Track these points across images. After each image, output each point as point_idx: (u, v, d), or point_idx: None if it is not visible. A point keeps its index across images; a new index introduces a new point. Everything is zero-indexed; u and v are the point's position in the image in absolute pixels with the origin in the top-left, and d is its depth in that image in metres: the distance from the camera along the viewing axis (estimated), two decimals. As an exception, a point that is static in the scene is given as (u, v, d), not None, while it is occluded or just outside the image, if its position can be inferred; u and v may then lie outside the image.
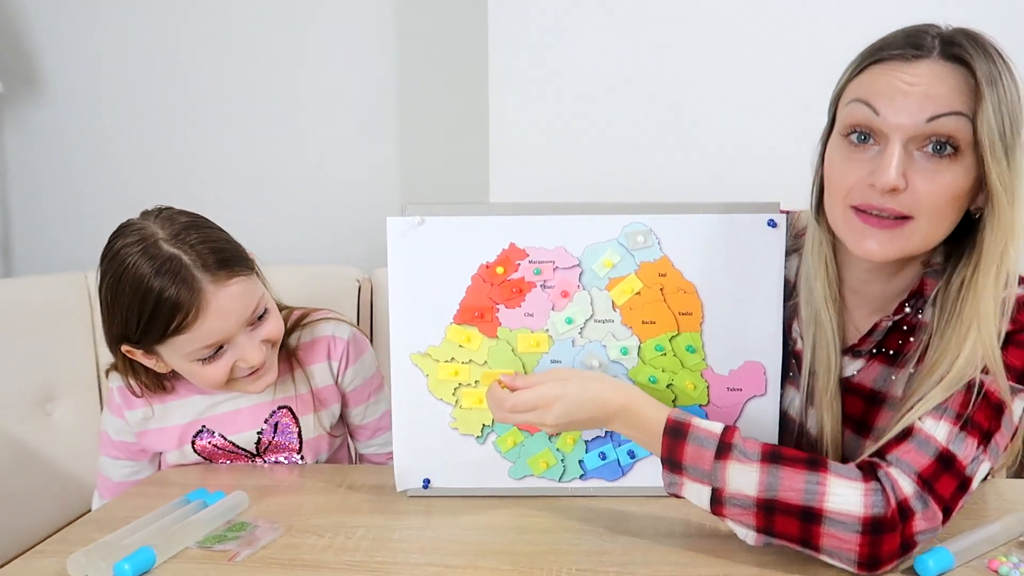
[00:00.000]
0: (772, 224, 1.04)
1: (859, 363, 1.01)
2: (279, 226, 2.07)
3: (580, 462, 1.08)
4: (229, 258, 1.08)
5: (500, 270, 1.05)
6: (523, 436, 1.08)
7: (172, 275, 1.03)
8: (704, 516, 0.94)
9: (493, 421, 1.08)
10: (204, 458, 1.24)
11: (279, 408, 1.25)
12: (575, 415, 0.94)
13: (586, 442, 1.08)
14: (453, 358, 1.07)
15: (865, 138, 0.87)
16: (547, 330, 1.06)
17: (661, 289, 1.05)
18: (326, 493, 1.11)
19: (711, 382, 1.07)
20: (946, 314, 0.88)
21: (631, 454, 1.08)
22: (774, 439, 1.07)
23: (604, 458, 1.08)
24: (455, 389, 1.08)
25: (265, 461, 1.27)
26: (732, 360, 1.07)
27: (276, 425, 1.25)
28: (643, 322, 1.06)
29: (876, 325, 0.98)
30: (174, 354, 1.10)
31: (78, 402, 1.66)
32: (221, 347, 1.09)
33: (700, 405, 1.07)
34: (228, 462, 1.25)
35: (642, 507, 1.05)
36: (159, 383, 1.18)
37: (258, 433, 1.25)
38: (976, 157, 0.82)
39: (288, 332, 1.21)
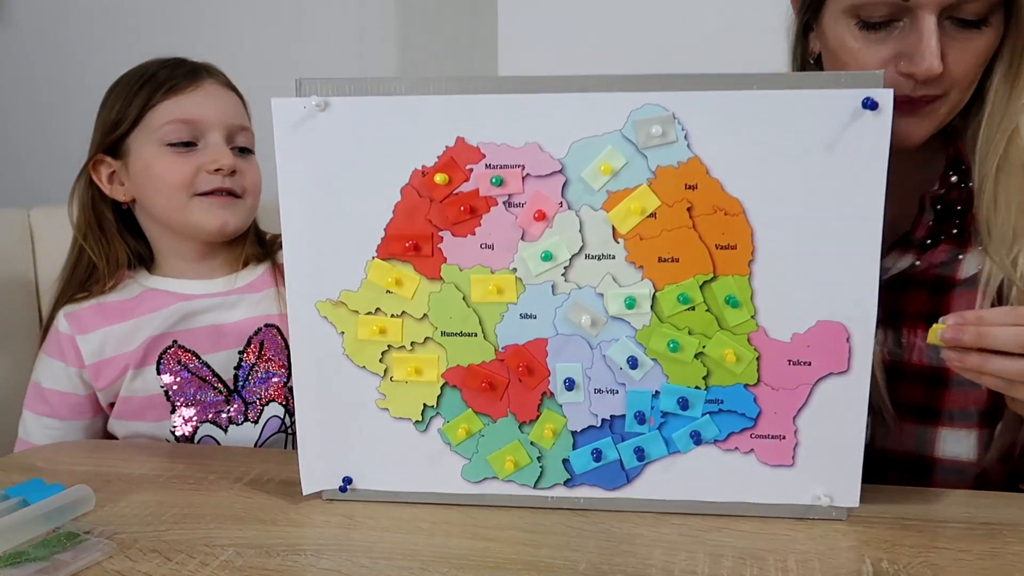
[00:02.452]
0: (870, 105, 0.64)
1: (912, 256, 0.85)
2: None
3: (565, 462, 0.73)
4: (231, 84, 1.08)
5: (442, 179, 0.68)
6: (482, 423, 0.73)
7: (175, 60, 1.04)
8: (743, 549, 0.60)
9: (439, 400, 0.73)
10: (167, 397, 1.00)
11: (265, 326, 1.03)
12: None
13: (574, 434, 0.72)
14: (378, 308, 0.72)
15: (885, 23, 0.75)
16: (514, 270, 0.70)
17: (689, 209, 0.67)
18: (211, 490, 0.79)
19: (763, 352, 0.69)
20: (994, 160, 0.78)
21: (639, 453, 0.71)
22: (859, 441, 0.69)
23: (599, 457, 0.72)
24: (382, 353, 0.73)
25: (239, 396, 1.02)
26: (797, 319, 0.68)
27: (262, 345, 1.02)
28: (660, 260, 0.68)
29: (922, 204, 0.84)
30: (147, 136, 1.00)
31: (14, 359, 1.38)
32: (195, 143, 1.00)
33: (745, 386, 0.70)
34: (194, 414, 1.01)
35: (653, 529, 0.70)
36: (116, 261, 1.03)
37: (239, 354, 1.02)
38: (1005, 17, 0.74)
39: (276, 249, 1.09)
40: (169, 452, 0.89)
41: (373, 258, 0.71)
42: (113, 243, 1.03)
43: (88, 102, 1.06)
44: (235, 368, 1.02)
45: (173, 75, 1.01)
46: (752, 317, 0.68)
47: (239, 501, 0.76)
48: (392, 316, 0.72)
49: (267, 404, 1.03)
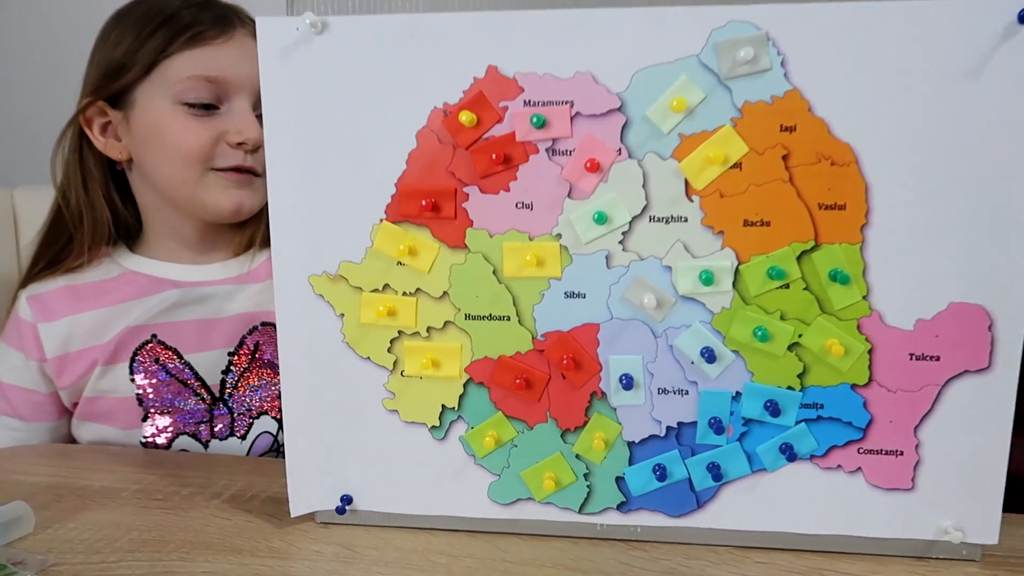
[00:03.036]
0: (1031, 18, 0.49)
1: None
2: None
3: (619, 480, 0.58)
4: None
5: (469, 119, 0.54)
6: (515, 430, 0.58)
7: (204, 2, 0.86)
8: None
9: (461, 400, 0.58)
10: (139, 402, 0.84)
11: (263, 324, 0.86)
12: None
13: (631, 445, 0.57)
14: (387, 285, 0.57)
15: None
16: (558, 236, 0.55)
17: (785, 157, 0.52)
18: (182, 509, 0.64)
19: (878, 343, 0.54)
20: None
21: (714, 471, 0.56)
22: (1002, 460, 0.54)
23: (663, 475, 0.56)
24: (391, 341, 0.58)
25: (225, 406, 0.86)
26: (923, 301, 0.53)
27: (256, 347, 0.86)
28: (746, 223, 0.53)
29: None
30: (160, 89, 0.82)
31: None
32: (217, 105, 0.83)
33: (853, 387, 0.54)
34: (170, 424, 0.85)
35: (732, 568, 0.55)
36: (97, 230, 0.86)
37: (229, 355, 0.85)
38: None
39: None
40: (140, 460, 0.75)
41: (381, 221, 0.56)
42: (97, 207, 0.86)
43: (75, 74, 0.93)
44: (223, 372, 0.86)
45: (199, 19, 0.83)
46: (864, 298, 0.53)
47: (213, 523, 0.61)
48: (404, 294, 0.57)
49: (258, 417, 0.87)
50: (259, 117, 0.81)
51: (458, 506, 0.60)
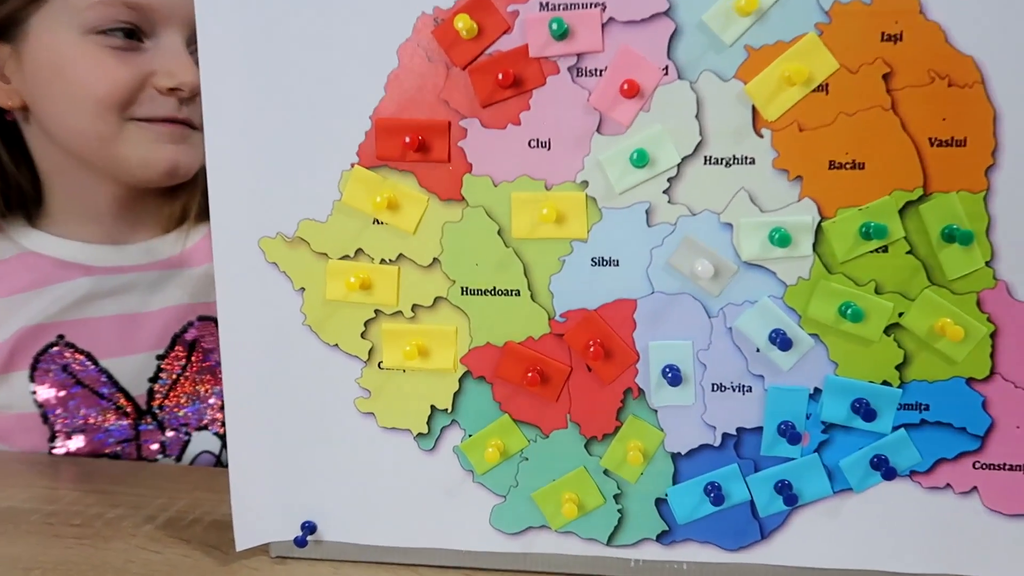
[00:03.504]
0: None
1: None
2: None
3: (659, 503, 0.44)
4: None
5: (467, 28, 0.40)
6: (525, 438, 0.45)
7: None
8: None
9: (456, 400, 0.45)
10: (44, 419, 0.68)
11: (201, 319, 0.71)
12: None
13: (676, 458, 0.44)
14: (360, 250, 0.44)
15: None
16: (584, 184, 0.42)
17: (887, 76, 0.39)
18: (103, 538, 0.51)
19: (1003, 324, 0.41)
20: None
21: (784, 490, 0.43)
22: None
23: (719, 498, 0.43)
24: (366, 324, 0.45)
25: (155, 422, 0.70)
26: (1068, 267, 0.40)
27: (193, 348, 0.70)
28: (833, 165, 0.40)
29: None
30: (62, 16, 0.63)
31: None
32: (140, 39, 0.64)
33: (970, 381, 0.41)
34: (84, 444, 0.69)
35: (808, 619, 0.41)
36: None
37: (159, 359, 0.70)
38: None
39: None
40: (63, 472, 0.61)
41: (352, 166, 0.43)
42: None
43: None
44: (150, 380, 0.70)
45: None
46: (987, 264, 0.40)
47: (139, 559, 0.48)
48: (382, 262, 0.44)
49: (197, 432, 0.71)
50: (196, 56, 0.65)
51: (451, 536, 0.46)
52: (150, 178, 0.68)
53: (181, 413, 0.71)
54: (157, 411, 0.70)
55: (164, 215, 0.73)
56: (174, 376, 0.71)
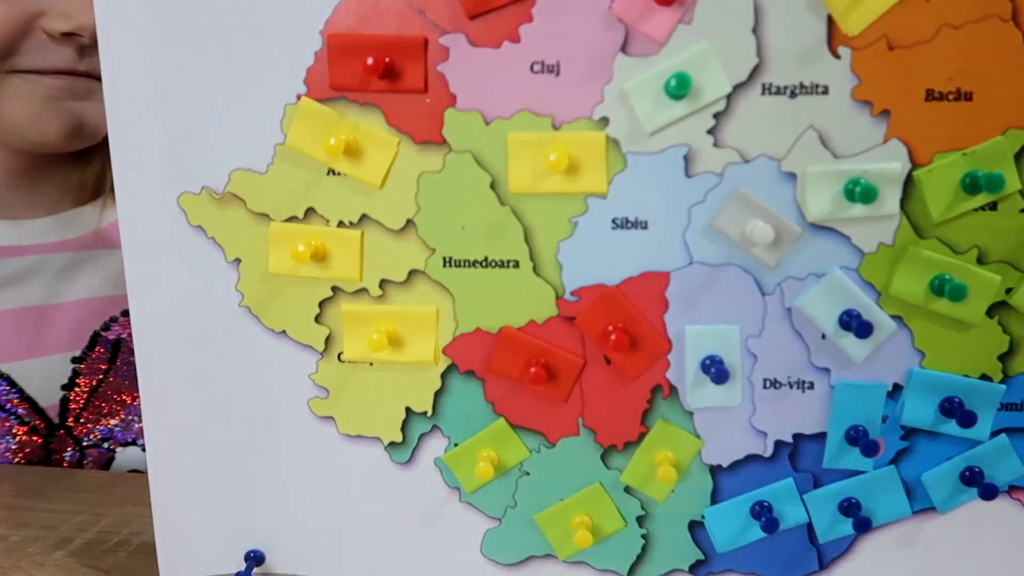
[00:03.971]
0: None
1: None
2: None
3: (693, 527, 0.35)
4: None
5: (449, -90, 0.30)
6: (526, 448, 0.35)
7: None
8: None
9: (437, 400, 0.35)
10: None
11: (125, 314, 0.59)
12: None
13: (715, 471, 0.35)
14: (311, 209, 0.34)
15: None
16: (603, 121, 0.31)
17: (1009, -26, 0.29)
18: (2, 569, 0.41)
19: None
20: None
21: (854, 513, 0.34)
22: None
23: (771, 522, 0.34)
24: (321, 304, 0.35)
25: (70, 437, 0.59)
26: None
27: (116, 349, 0.59)
28: (930, 96, 0.30)
29: None
30: None
31: None
32: None
33: (1097, 373, 0.32)
34: None
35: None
36: None
37: (74, 362, 0.59)
38: None
39: None
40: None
41: (298, 98, 0.33)
42: None
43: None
44: (64, 388, 0.59)
45: None
46: None
47: (41, 600, 0.38)
48: (341, 225, 0.34)
49: (122, 448, 0.60)
50: None
51: (434, 569, 0.37)
52: (47, 141, 0.55)
53: (103, 426, 0.60)
54: (73, 424, 0.59)
55: (74, 185, 0.60)
56: (94, 383, 0.59)
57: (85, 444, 0.60)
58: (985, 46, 0.30)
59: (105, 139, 0.55)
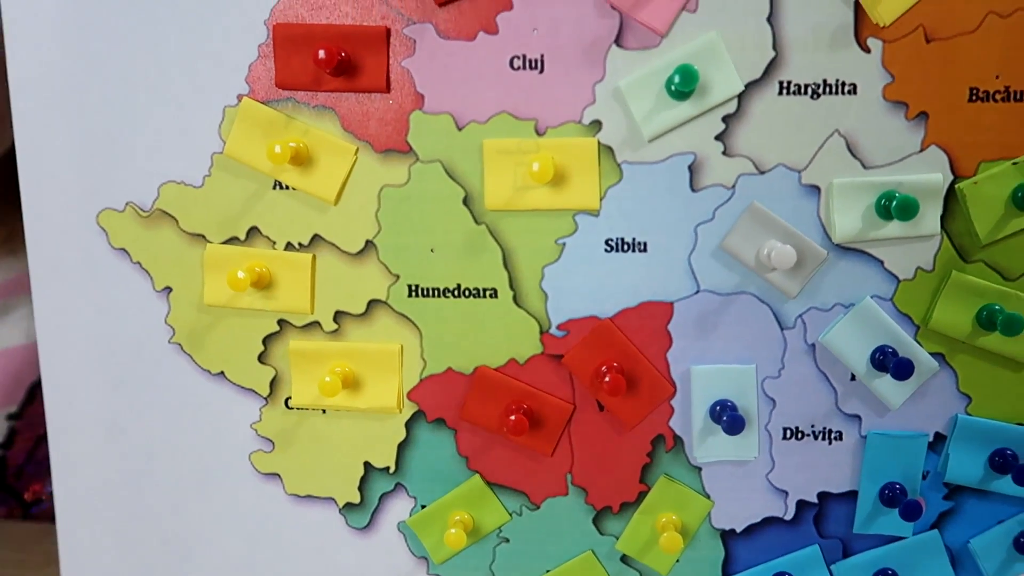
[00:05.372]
0: None
1: None
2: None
3: (702, 603, 0.29)
4: None
5: None
6: (505, 510, 0.29)
7: None
8: None
9: (401, 453, 0.29)
10: None
11: None
12: None
13: (726, 537, 0.29)
14: (254, 228, 0.28)
15: None
16: (595, 124, 0.26)
17: (1065, -46, 0.25)
18: None
19: None
20: None
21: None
22: None
23: (790, 596, 0.28)
24: (266, 340, 0.29)
25: (11, 495, 0.52)
26: None
27: None
28: (975, 95, 0.26)
29: None
30: None
31: None
32: None
33: None
34: None
35: None
36: None
37: (10, 419, 0.51)
38: None
39: None
40: None
41: (239, 98, 0.27)
42: None
43: None
44: (2, 447, 0.53)
45: None
46: None
47: None
48: (289, 248, 0.28)
49: None
50: None
51: (396, 653, 0.31)
52: None
53: (45, 484, 0.53)
54: (14, 483, 0.53)
55: None
56: (34, 439, 0.53)
57: (28, 501, 0.53)
58: (1037, 38, 0.25)
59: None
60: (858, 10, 0.26)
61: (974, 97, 0.26)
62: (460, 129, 0.27)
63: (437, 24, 0.27)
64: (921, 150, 0.26)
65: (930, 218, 0.26)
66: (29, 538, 0.47)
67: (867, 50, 0.26)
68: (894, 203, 0.26)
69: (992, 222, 0.26)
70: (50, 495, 0.53)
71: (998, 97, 0.26)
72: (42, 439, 0.53)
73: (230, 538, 0.30)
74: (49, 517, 0.54)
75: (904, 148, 0.26)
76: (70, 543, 0.31)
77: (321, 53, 0.26)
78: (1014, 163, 0.26)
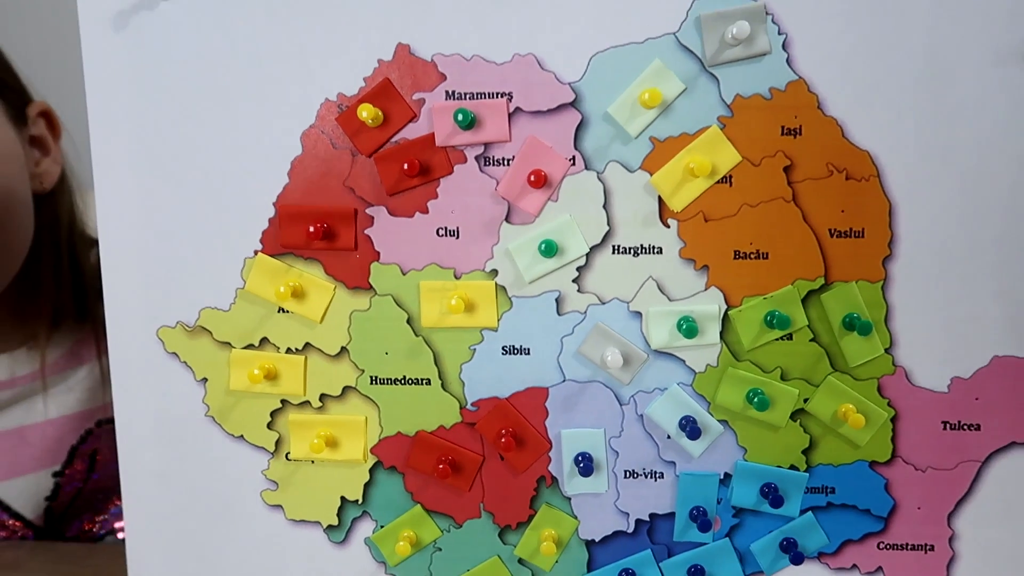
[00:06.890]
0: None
1: None
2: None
3: (574, 591, 0.42)
4: None
5: (372, 116, 0.38)
6: (438, 528, 0.42)
7: None
8: None
9: (367, 491, 0.42)
10: None
11: (100, 424, 0.61)
12: None
13: (590, 545, 0.42)
14: (265, 339, 0.41)
15: None
16: (493, 272, 0.40)
17: (788, 169, 0.38)
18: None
19: (903, 408, 0.40)
20: None
21: (697, 575, 0.41)
22: (1067, 555, 0.40)
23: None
24: (273, 414, 0.42)
25: (62, 537, 0.61)
26: (961, 355, 0.39)
27: (93, 457, 0.61)
28: (738, 255, 0.39)
29: None
30: None
31: None
32: None
33: (872, 465, 0.40)
34: None
35: None
36: None
37: (55, 476, 0.61)
38: None
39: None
40: None
41: (256, 253, 0.40)
42: None
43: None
44: (48, 499, 0.61)
45: None
46: (887, 351, 0.39)
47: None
48: (288, 352, 0.41)
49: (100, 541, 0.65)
50: None
51: (364, 630, 0.43)
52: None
53: (86, 525, 0.64)
54: (60, 526, 0.62)
55: (24, 317, 0.59)
56: (76, 488, 0.61)
57: (68, 537, 0.63)
58: (775, 219, 0.38)
59: (38, 266, 0.58)
60: (660, 201, 0.39)
61: (737, 256, 0.39)
62: (404, 274, 0.40)
63: (388, 206, 0.39)
64: (705, 289, 0.39)
65: (712, 333, 0.40)
66: (79, 553, 0.58)
67: (667, 226, 0.39)
68: (686, 326, 0.39)
69: (753, 335, 0.40)
70: (86, 531, 0.64)
71: (752, 256, 0.39)
72: (80, 492, 0.63)
73: (250, 550, 0.43)
74: (90, 540, 0.65)
75: (694, 288, 0.39)
76: (135, 558, 0.43)
77: (312, 227, 0.39)
78: (765, 298, 0.39)
